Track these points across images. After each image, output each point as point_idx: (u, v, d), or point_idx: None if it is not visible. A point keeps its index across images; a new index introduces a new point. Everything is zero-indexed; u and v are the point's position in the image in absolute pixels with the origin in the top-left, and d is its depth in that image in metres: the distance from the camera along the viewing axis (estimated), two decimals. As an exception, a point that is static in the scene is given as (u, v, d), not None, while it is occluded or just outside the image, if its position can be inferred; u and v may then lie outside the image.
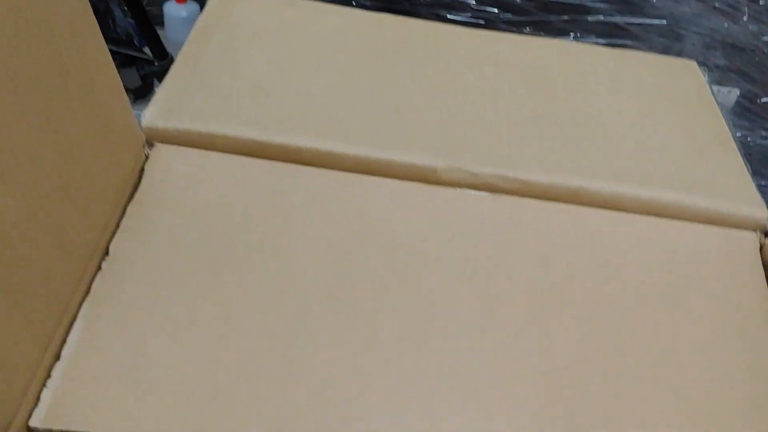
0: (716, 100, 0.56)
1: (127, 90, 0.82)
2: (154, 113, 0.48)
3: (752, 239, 0.48)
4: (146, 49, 0.96)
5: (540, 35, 0.74)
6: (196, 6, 1.47)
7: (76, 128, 0.38)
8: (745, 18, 0.82)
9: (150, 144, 0.47)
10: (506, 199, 0.48)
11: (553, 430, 0.37)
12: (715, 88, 0.69)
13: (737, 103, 0.81)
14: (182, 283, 0.40)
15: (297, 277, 0.41)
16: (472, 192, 0.48)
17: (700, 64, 0.59)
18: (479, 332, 0.41)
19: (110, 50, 0.43)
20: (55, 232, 0.37)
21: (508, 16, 1.00)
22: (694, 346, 0.42)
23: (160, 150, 0.47)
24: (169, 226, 0.43)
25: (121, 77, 0.82)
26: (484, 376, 0.39)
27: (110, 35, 0.94)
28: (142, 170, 0.46)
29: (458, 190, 0.48)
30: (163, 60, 1.17)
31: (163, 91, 0.50)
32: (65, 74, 0.36)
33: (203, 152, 0.47)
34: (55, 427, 0.34)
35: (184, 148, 0.47)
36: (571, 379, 0.40)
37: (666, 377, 0.41)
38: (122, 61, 0.91)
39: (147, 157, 0.47)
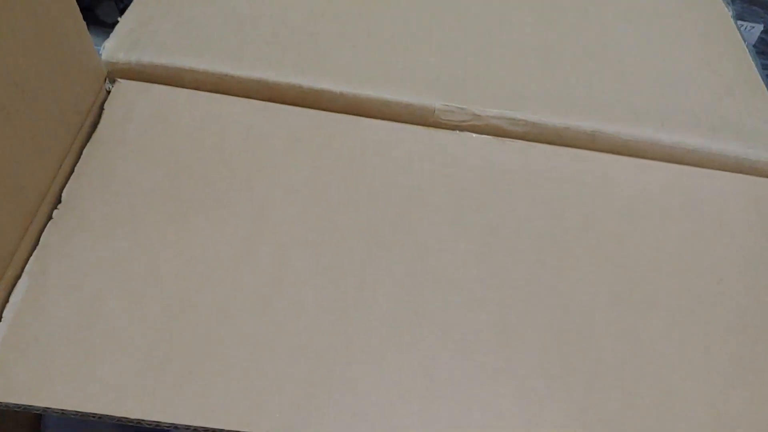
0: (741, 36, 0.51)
1: (104, 24, 0.75)
2: (116, 45, 0.42)
3: (785, 189, 0.43)
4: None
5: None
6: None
7: (20, 49, 0.32)
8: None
9: (111, 80, 0.42)
10: (513, 143, 0.43)
11: (567, 397, 0.33)
12: (737, 23, 0.63)
13: (760, 39, 0.75)
14: (144, 234, 0.35)
15: (276, 228, 0.36)
16: (475, 135, 0.43)
17: (724, -4, 0.53)
18: (482, 290, 0.36)
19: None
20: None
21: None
22: (722, 304, 0.38)
23: (123, 86, 0.41)
24: (131, 170, 0.37)
25: (98, 11, 0.75)
26: (488, 339, 0.34)
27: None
28: (101, 108, 0.40)
29: (459, 133, 0.43)
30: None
31: (126, 21, 0.44)
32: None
33: (170, 89, 0.42)
34: (-8, 400, 0.29)
35: (149, 84, 0.42)
36: (585, 340, 0.35)
37: (692, 338, 0.36)
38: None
39: (108, 94, 0.41)
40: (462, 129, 0.43)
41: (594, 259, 0.38)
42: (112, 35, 0.43)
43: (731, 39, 0.50)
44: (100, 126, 0.39)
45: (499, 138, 0.43)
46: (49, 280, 0.33)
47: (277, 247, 0.36)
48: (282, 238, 0.36)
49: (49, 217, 0.35)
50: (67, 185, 0.37)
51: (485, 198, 0.40)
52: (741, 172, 0.44)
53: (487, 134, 0.43)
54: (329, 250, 0.36)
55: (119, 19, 0.45)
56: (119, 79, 0.42)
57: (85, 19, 0.38)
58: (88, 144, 0.38)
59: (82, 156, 0.38)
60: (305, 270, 0.35)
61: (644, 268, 0.38)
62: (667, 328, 0.36)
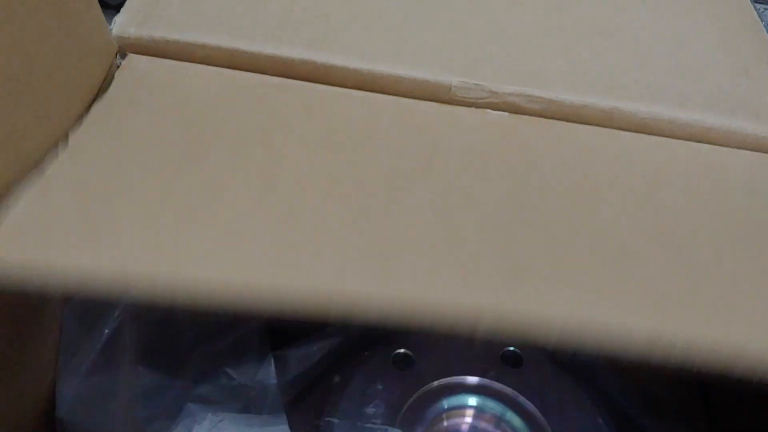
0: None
1: (108, 6, 0.75)
2: (127, 20, 0.42)
3: (807, 167, 0.42)
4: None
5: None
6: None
7: (30, 21, 0.32)
8: None
9: (122, 54, 0.41)
10: (530, 120, 0.42)
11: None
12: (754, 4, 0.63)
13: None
14: (157, 168, 0.34)
15: (291, 175, 0.35)
16: (491, 112, 0.42)
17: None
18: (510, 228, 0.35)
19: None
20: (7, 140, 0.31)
21: None
22: (749, 288, 0.36)
23: (134, 59, 0.41)
24: (141, 123, 0.36)
25: (104, -11, 0.74)
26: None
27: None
28: (112, 79, 0.40)
29: (475, 110, 0.42)
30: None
31: (136, -2, 0.44)
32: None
33: (182, 64, 0.41)
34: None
35: (160, 60, 0.41)
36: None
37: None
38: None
39: (118, 68, 0.41)
40: (478, 106, 0.42)
41: (614, 238, 0.37)
42: (122, 10, 0.42)
43: (747, 19, 0.50)
44: (111, 88, 0.38)
45: (516, 114, 0.42)
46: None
47: (293, 191, 0.34)
48: (298, 185, 0.35)
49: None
50: (75, 131, 0.35)
51: (500, 176, 0.38)
52: (762, 151, 0.43)
53: (504, 111, 0.42)
54: (348, 194, 0.35)
55: (128, -3, 0.44)
56: (130, 54, 0.41)
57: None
58: (96, 101, 0.37)
59: (90, 111, 0.37)
60: (322, 207, 0.34)
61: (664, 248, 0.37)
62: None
